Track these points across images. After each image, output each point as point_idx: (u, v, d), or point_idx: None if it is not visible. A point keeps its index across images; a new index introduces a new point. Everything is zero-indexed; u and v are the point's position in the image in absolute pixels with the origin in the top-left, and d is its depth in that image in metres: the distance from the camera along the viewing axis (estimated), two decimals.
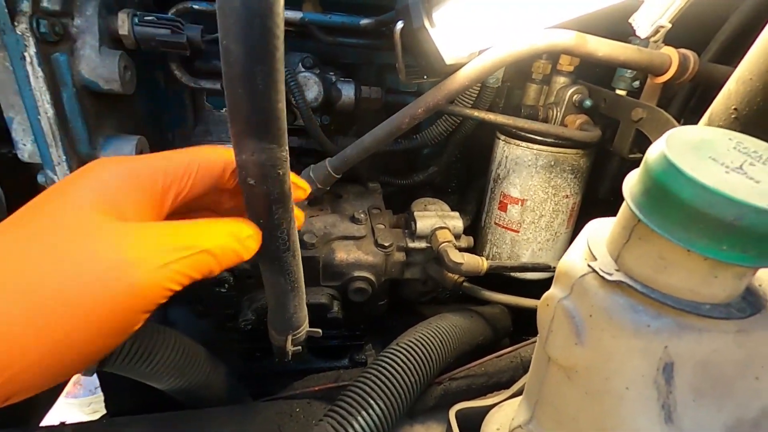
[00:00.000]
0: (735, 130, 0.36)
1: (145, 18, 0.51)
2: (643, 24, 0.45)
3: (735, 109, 0.35)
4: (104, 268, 0.26)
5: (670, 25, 0.44)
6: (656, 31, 0.44)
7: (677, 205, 0.23)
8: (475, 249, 0.86)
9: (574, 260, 0.29)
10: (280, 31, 0.30)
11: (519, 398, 0.39)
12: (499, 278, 0.79)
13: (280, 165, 0.36)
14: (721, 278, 0.24)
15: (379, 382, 0.48)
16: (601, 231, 0.30)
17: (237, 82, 0.31)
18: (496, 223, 0.80)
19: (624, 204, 0.27)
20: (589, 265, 0.27)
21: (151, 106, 0.66)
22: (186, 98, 0.68)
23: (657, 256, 0.25)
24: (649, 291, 0.25)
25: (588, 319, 0.27)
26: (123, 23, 0.51)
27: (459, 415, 0.47)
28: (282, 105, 0.33)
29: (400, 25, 0.49)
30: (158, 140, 0.69)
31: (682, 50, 0.53)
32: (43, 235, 0.26)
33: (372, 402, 0.46)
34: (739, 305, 0.25)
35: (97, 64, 0.50)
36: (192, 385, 0.58)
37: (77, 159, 0.53)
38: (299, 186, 0.48)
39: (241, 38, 0.29)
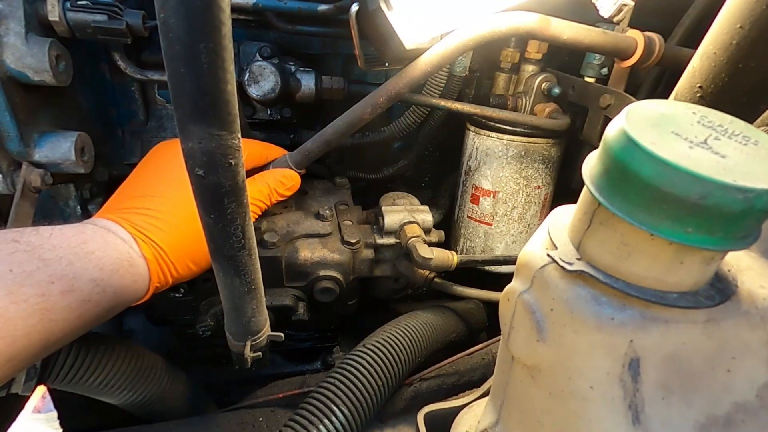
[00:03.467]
0: None
1: (78, 2, 0.47)
2: (605, 3, 0.44)
3: (700, 86, 0.33)
4: None
5: (632, 3, 0.43)
6: (619, 10, 0.43)
7: (638, 185, 0.20)
8: (449, 243, 0.84)
9: (535, 250, 0.27)
10: (226, 3, 0.27)
11: (488, 398, 0.37)
12: (476, 272, 0.78)
13: (232, 154, 0.33)
14: (688, 264, 0.22)
15: (343, 386, 0.45)
16: (563, 219, 0.28)
17: (178, 61, 0.28)
18: (468, 217, 0.78)
19: (585, 187, 0.25)
20: (548, 255, 0.25)
21: (97, 101, 0.61)
22: (135, 92, 0.63)
23: (619, 242, 0.23)
24: (612, 281, 0.23)
25: (549, 313, 0.25)
26: (53, 8, 0.46)
27: (428, 417, 0.45)
28: (231, 87, 0.30)
29: (355, 7, 0.46)
30: (107, 137, 0.64)
31: (648, 33, 0.52)
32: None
33: (335, 408, 0.43)
34: (708, 293, 0.23)
35: (23, 53, 0.45)
36: (148, 398, 0.54)
37: (7, 158, 0.49)
38: (289, 178, 0.58)
39: (181, 11, 0.26)
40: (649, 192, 0.20)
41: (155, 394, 0.54)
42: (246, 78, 0.59)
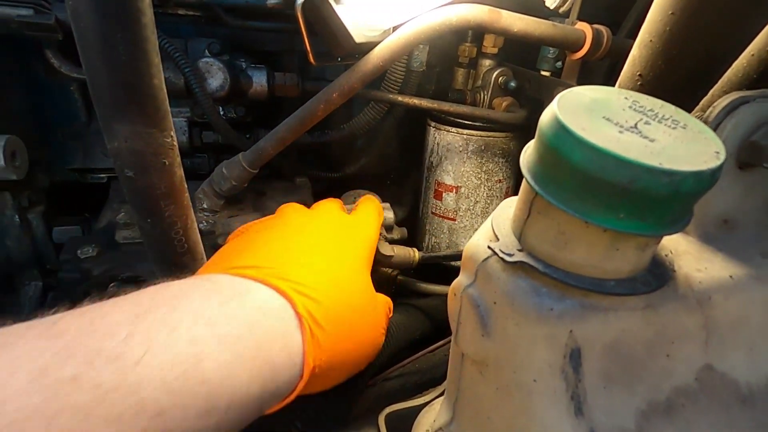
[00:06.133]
0: None
1: None
2: None
3: (640, 75, 0.33)
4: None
5: None
6: (564, 1, 0.43)
7: (570, 172, 0.20)
8: (415, 240, 0.84)
9: (478, 243, 0.26)
10: None
11: (443, 396, 0.36)
12: (444, 268, 0.77)
13: (165, 153, 0.31)
14: (623, 250, 0.21)
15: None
16: (507, 210, 0.28)
17: (93, 53, 0.26)
18: (432, 213, 0.77)
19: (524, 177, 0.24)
20: (488, 247, 0.24)
21: (31, 101, 0.57)
22: (74, 91, 0.60)
23: (557, 231, 0.22)
24: (551, 271, 0.22)
25: (492, 307, 0.24)
26: None
27: (390, 418, 0.44)
28: (158, 81, 0.28)
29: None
30: (44, 140, 0.60)
31: (596, 25, 0.53)
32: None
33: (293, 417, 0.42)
34: (645, 279, 0.23)
35: None
36: None
37: None
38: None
39: None
40: (580, 178, 0.20)
41: None
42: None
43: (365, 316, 0.37)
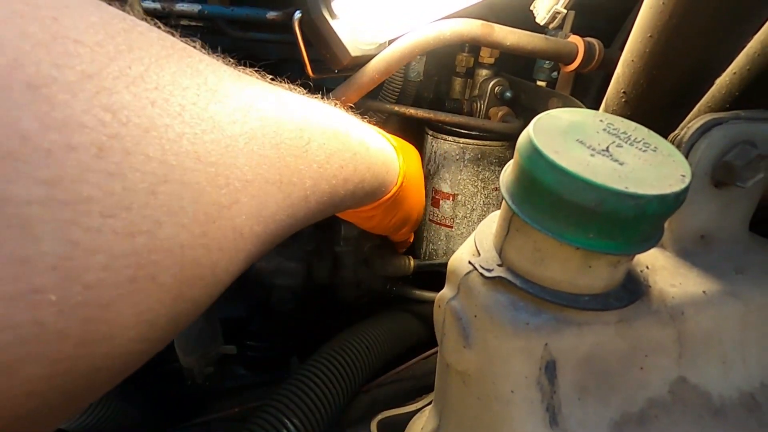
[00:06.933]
0: (626, 115, 0.35)
1: None
2: (541, 10, 0.45)
3: (624, 92, 0.34)
4: None
5: (565, 11, 0.44)
6: (553, 18, 0.44)
7: (543, 193, 0.21)
8: (413, 247, 0.85)
9: (462, 257, 0.27)
10: None
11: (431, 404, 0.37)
12: (440, 275, 0.78)
13: None
14: (596, 268, 0.22)
15: (294, 397, 0.44)
16: (490, 225, 0.29)
17: None
18: (430, 220, 0.78)
19: None
20: (469, 262, 0.25)
21: None
22: None
23: (533, 248, 0.23)
24: (528, 286, 0.23)
25: (473, 320, 0.25)
26: None
27: (382, 424, 0.45)
28: None
29: (297, 14, 0.46)
30: None
31: (588, 38, 0.54)
32: None
33: (286, 420, 0.43)
34: (618, 294, 0.23)
35: None
36: (97, 419, 0.53)
37: None
38: None
39: None
40: (552, 199, 0.21)
41: (105, 415, 0.53)
42: None
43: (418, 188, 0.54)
